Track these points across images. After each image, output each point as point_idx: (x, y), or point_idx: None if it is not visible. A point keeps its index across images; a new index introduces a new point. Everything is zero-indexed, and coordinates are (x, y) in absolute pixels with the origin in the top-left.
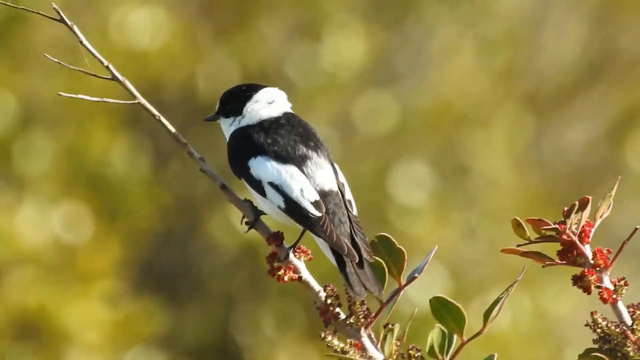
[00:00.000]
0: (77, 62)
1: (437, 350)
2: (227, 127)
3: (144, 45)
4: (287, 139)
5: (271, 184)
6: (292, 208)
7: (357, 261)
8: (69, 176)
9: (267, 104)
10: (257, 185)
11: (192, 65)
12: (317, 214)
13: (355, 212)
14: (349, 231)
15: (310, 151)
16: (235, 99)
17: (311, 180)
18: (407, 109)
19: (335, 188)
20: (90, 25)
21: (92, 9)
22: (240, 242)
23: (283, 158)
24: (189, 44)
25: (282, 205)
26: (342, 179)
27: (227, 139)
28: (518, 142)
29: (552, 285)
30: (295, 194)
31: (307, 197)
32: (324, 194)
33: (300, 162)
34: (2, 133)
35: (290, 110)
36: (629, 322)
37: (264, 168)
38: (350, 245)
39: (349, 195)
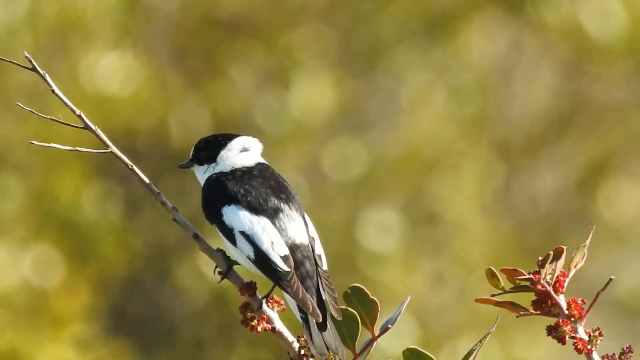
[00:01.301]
0: (48, 107)
1: None
2: (201, 174)
3: (115, 91)
4: (259, 190)
5: (242, 233)
6: (261, 260)
7: (320, 321)
8: (40, 220)
9: (240, 152)
10: (229, 233)
11: (164, 112)
12: (286, 268)
13: (325, 267)
14: (316, 287)
15: (282, 203)
16: (210, 147)
17: (282, 233)
18: (376, 156)
19: (306, 242)
20: (61, 70)
21: (62, 54)
22: (210, 290)
23: (256, 209)
24: (160, 90)
25: (252, 256)
26: (312, 232)
27: (202, 185)
28: (488, 189)
29: (524, 334)
30: (266, 246)
31: (276, 250)
32: (294, 248)
33: (272, 214)
34: None
35: (263, 161)
36: None
37: (237, 217)
38: (314, 304)
39: (319, 249)
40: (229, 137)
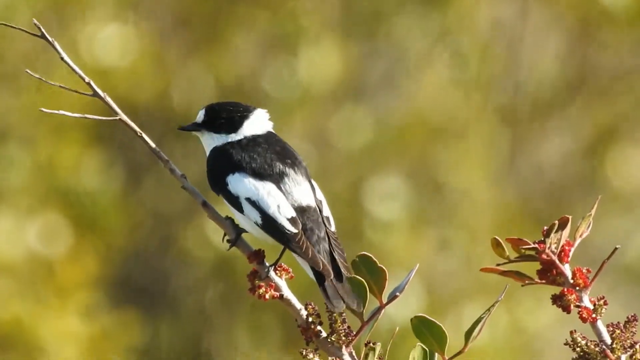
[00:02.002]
0: (53, 76)
1: None
2: (212, 141)
3: (114, 62)
4: (264, 156)
5: (248, 200)
6: (269, 224)
7: (332, 277)
8: (45, 190)
9: (257, 124)
10: (235, 201)
11: (166, 82)
12: (294, 230)
13: (333, 229)
14: (327, 247)
15: (287, 168)
16: (232, 117)
17: (288, 196)
18: (381, 123)
19: (313, 204)
20: (60, 42)
21: (61, 26)
22: (215, 257)
23: (260, 175)
24: (162, 59)
25: (259, 221)
26: (320, 195)
27: (208, 153)
28: (494, 157)
29: (530, 301)
30: (272, 210)
31: (283, 213)
32: (301, 210)
33: (277, 179)
34: None
35: (271, 129)
36: (608, 341)
37: (242, 184)
38: (325, 262)
39: (327, 211)
40: (249, 108)
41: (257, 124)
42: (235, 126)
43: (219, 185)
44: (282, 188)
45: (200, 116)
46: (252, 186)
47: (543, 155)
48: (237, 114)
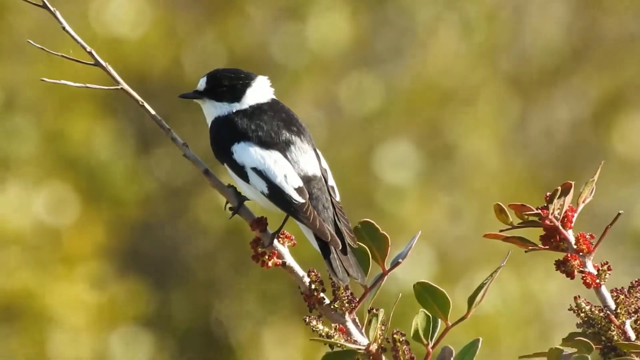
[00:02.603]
0: (58, 47)
1: (421, 334)
2: (214, 109)
3: (126, 32)
4: (270, 124)
5: (254, 169)
6: (275, 194)
7: (340, 248)
8: (53, 160)
9: (260, 91)
10: (241, 171)
11: (177, 51)
12: (300, 200)
13: (338, 198)
14: (332, 217)
15: (293, 136)
16: (234, 85)
17: (295, 165)
18: (391, 90)
19: (318, 173)
20: (71, 13)
21: None
22: (225, 226)
23: (267, 144)
24: (173, 29)
25: (266, 191)
26: (324, 164)
27: (209, 122)
28: (503, 123)
29: (539, 268)
30: (279, 179)
31: (290, 183)
32: (307, 180)
33: (284, 147)
34: None
35: (274, 97)
36: (612, 306)
37: (248, 153)
38: (333, 232)
39: (331, 181)
40: (251, 75)
41: (260, 91)
42: (237, 94)
43: (224, 154)
44: (289, 157)
45: (201, 84)
46: (259, 155)
47: (552, 121)
48: (239, 82)
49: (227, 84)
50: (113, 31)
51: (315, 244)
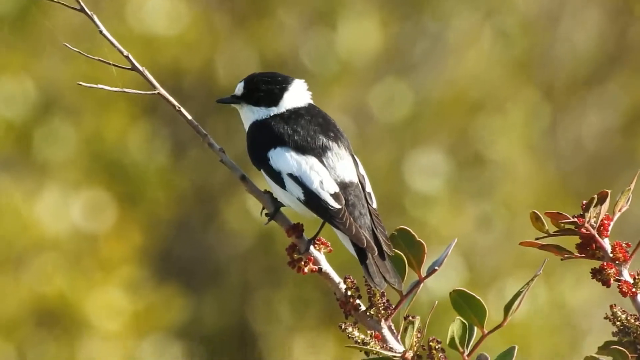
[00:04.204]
0: (95, 48)
1: (457, 342)
2: (252, 114)
3: (161, 31)
4: (307, 129)
5: (291, 175)
6: (312, 200)
7: (376, 254)
8: (90, 163)
9: (297, 95)
10: (277, 177)
11: (210, 52)
12: (337, 206)
13: (375, 205)
14: (369, 224)
15: (330, 142)
16: (271, 89)
17: (331, 171)
18: (422, 98)
19: (355, 180)
20: (108, 10)
21: None
22: (257, 230)
23: (303, 149)
24: (207, 31)
25: (302, 197)
26: (362, 171)
27: (247, 127)
28: (534, 131)
29: (570, 276)
30: (315, 186)
31: (326, 189)
32: (344, 186)
33: (320, 153)
34: (22, 119)
35: (311, 101)
36: None
37: (284, 159)
38: (369, 239)
39: (369, 187)
40: (288, 79)
41: (297, 96)
42: (275, 99)
43: (260, 160)
44: (325, 162)
45: (239, 88)
46: (294, 161)
47: (583, 129)
48: (277, 86)
49: (264, 88)
50: (149, 29)
51: (351, 250)
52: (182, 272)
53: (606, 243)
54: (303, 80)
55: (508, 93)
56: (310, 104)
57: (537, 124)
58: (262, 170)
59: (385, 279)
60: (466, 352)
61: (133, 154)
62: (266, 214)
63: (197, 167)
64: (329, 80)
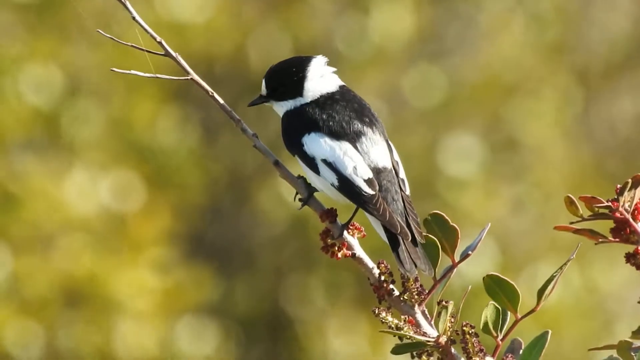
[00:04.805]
0: (125, 33)
1: (491, 327)
2: (281, 108)
3: (191, 17)
4: (342, 114)
5: (324, 161)
6: (345, 186)
7: (409, 239)
8: (118, 145)
9: (320, 77)
10: (311, 163)
11: (242, 38)
12: (370, 192)
13: (408, 192)
14: (401, 209)
15: (365, 127)
16: (290, 82)
17: (365, 157)
18: (455, 82)
19: (389, 165)
20: None
21: None
22: (290, 215)
23: (337, 134)
24: (238, 16)
25: (335, 182)
26: (396, 157)
27: (281, 116)
28: (567, 115)
29: (602, 260)
30: (349, 171)
31: (360, 174)
32: (377, 171)
33: (354, 138)
34: (51, 102)
35: (342, 83)
36: None
37: (318, 145)
38: (403, 224)
39: (402, 174)
40: (304, 65)
41: (322, 79)
42: (298, 90)
43: (295, 145)
44: (359, 148)
45: (263, 87)
46: (328, 147)
47: (616, 113)
48: (294, 78)
49: (283, 82)
50: (178, 15)
51: (383, 236)
52: (214, 255)
53: None
54: (321, 57)
55: (541, 77)
56: (343, 88)
57: (571, 108)
58: (296, 156)
59: (416, 265)
60: (500, 337)
61: (163, 137)
62: (299, 199)
63: (229, 152)
64: (363, 64)
